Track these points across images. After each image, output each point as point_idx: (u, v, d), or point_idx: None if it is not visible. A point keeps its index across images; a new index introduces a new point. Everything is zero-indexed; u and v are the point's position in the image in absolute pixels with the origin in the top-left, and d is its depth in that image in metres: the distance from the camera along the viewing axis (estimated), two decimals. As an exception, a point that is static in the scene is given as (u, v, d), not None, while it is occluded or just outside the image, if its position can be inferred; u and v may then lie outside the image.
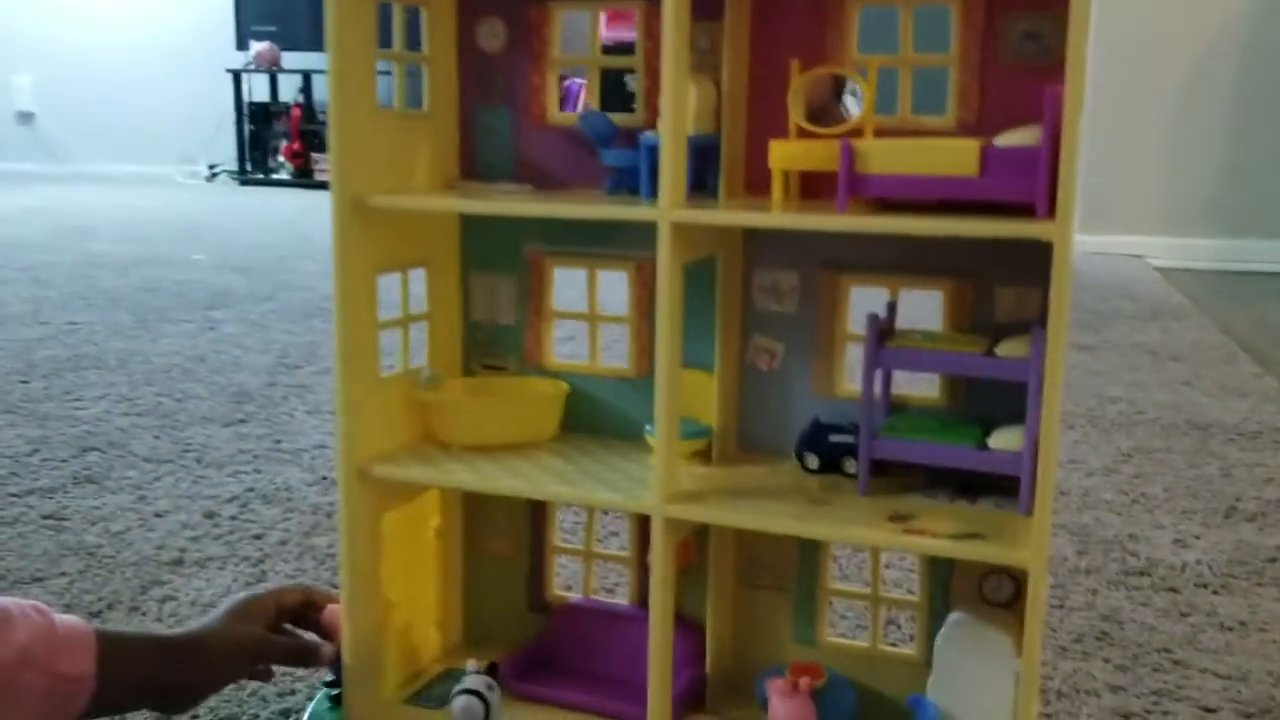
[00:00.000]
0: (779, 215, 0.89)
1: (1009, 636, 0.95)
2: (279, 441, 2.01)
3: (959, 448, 0.91)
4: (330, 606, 1.06)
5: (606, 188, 1.00)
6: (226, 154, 6.82)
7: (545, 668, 1.11)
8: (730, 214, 0.91)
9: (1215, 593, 1.42)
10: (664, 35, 0.87)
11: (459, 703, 0.91)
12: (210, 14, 6.76)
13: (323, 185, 5.31)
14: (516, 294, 1.11)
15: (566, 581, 1.25)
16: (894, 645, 1.07)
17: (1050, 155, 0.79)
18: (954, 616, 0.98)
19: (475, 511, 1.16)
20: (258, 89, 6.64)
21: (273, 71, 6.53)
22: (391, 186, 1.01)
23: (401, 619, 1.10)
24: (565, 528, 1.26)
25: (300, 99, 6.54)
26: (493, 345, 1.13)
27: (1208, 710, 1.15)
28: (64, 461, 1.87)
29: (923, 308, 1.03)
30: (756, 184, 0.98)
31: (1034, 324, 0.89)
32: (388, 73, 1.06)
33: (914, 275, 0.98)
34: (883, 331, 0.94)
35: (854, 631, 1.26)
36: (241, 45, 6.57)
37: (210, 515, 1.66)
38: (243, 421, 2.13)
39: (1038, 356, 0.86)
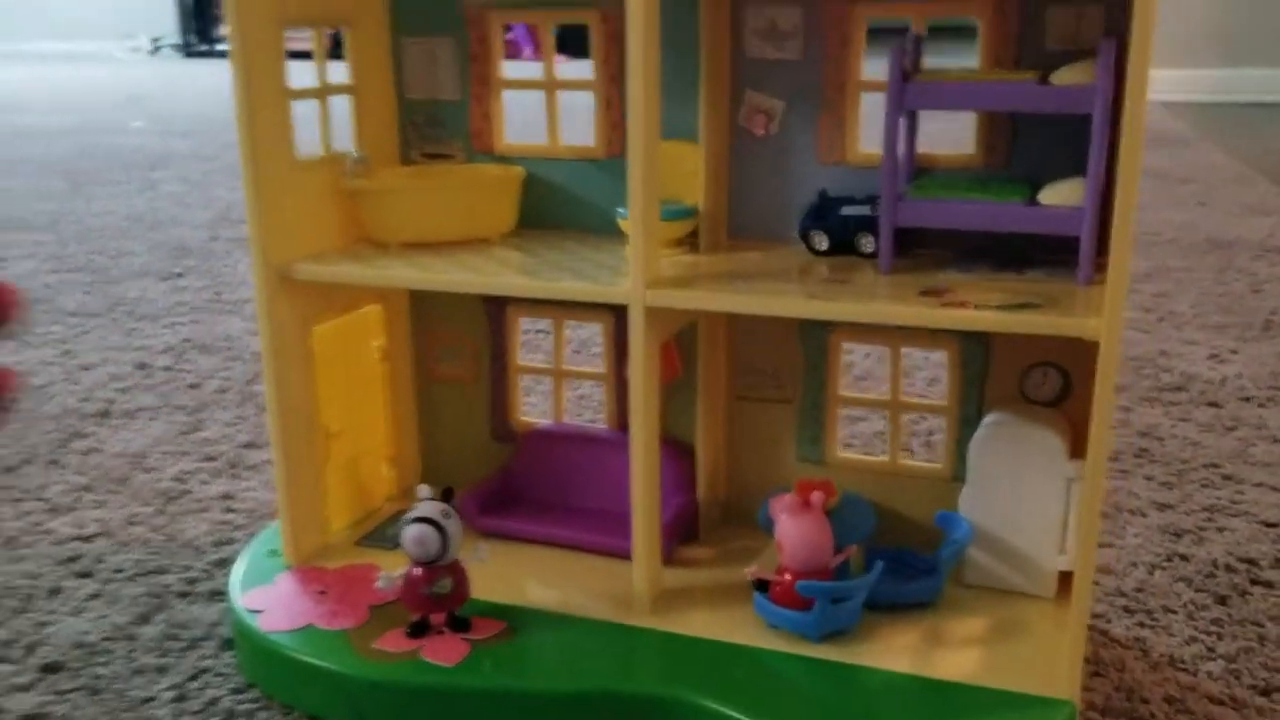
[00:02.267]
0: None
1: (1059, 436, 0.80)
2: (219, 294, 1.83)
3: (1006, 205, 0.75)
4: None
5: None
6: (168, 27, 6.48)
7: (513, 502, 0.96)
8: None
9: (1261, 406, 1.28)
10: None
11: (411, 532, 0.76)
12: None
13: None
14: (458, 61, 0.93)
15: (534, 407, 1.10)
16: (918, 462, 0.93)
17: None
18: (991, 417, 0.82)
19: (425, 328, 0.99)
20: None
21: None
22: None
23: (346, 452, 0.94)
24: (529, 343, 1.10)
25: (245, -38, 6.17)
26: (434, 128, 0.95)
27: (1269, 525, 1.01)
28: (-19, 320, 1.69)
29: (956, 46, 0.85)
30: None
31: (1097, 47, 0.72)
32: None
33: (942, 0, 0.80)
34: (907, 69, 0.76)
35: (868, 447, 1.11)
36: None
37: (142, 366, 1.49)
38: (180, 275, 1.94)
39: (1105, 77, 0.69)
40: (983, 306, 0.69)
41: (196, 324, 1.67)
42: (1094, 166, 0.70)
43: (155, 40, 6.58)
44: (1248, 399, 1.30)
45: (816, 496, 0.78)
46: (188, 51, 6.30)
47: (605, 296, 0.77)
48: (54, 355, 1.54)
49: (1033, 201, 0.74)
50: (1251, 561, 0.95)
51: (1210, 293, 1.70)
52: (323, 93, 0.88)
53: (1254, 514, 1.03)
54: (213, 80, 5.19)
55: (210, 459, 1.19)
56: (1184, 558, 0.95)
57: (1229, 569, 0.93)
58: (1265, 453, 1.16)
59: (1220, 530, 1.00)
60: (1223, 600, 0.89)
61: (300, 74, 0.83)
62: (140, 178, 2.87)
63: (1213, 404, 1.28)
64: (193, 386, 1.42)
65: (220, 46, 6.23)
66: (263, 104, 0.81)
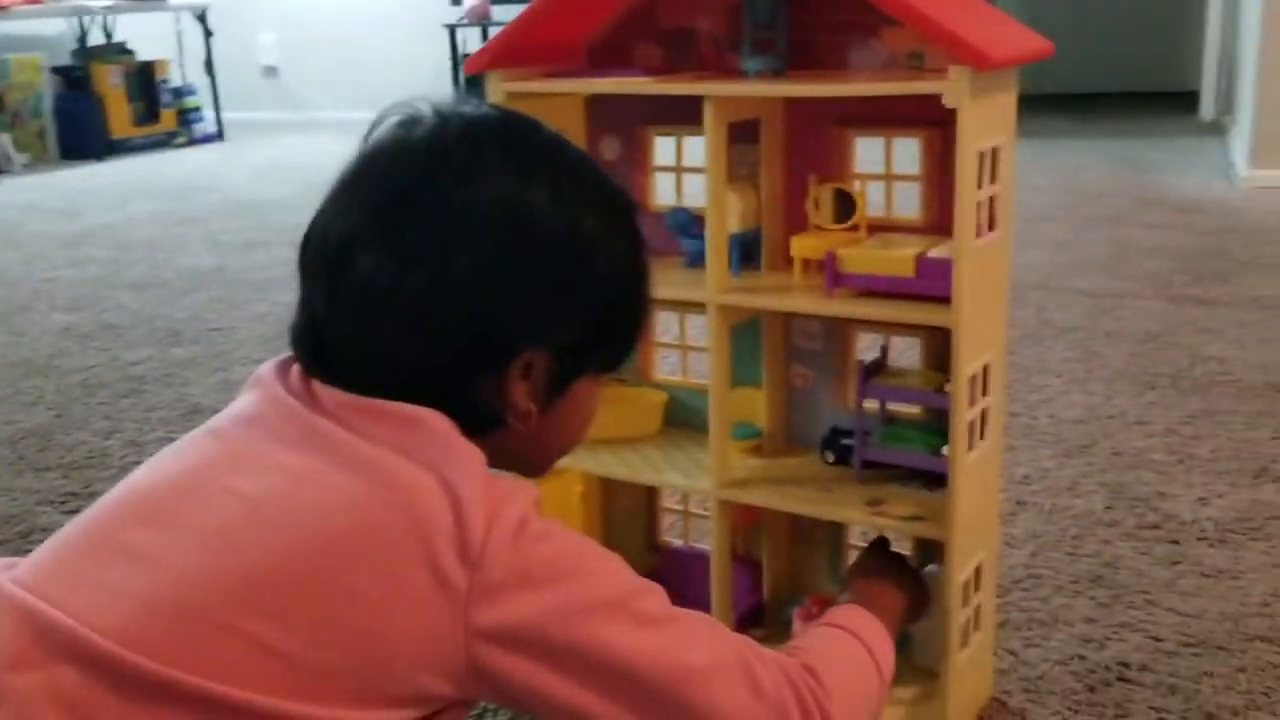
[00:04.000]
0: (792, 299, 1.30)
1: (965, 583, 1.34)
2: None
3: (920, 454, 1.31)
4: None
5: (685, 262, 1.43)
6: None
7: (655, 592, 1.57)
8: (757, 297, 1.32)
9: (1210, 545, 1.75)
10: (706, 162, 1.27)
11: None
12: (427, -26, 7.36)
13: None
14: (631, 329, 1.55)
15: (672, 531, 1.71)
16: (898, 584, 1.48)
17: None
18: (929, 567, 1.38)
19: (609, 481, 1.62)
20: (471, 41, 7.22)
21: (484, 25, 7.08)
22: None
23: (556, 555, 1.58)
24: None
25: (508, 49, 7.08)
26: (616, 364, 1.58)
27: (1156, 639, 1.51)
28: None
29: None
30: (792, 260, 1.37)
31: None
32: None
33: (897, 325, 1.36)
34: (872, 370, 1.34)
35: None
36: (455, 1, 7.14)
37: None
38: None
39: (966, 396, 1.24)
40: (894, 517, 1.26)
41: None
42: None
43: (431, 114, 7.56)
44: (1204, 538, 1.77)
45: (816, 609, 1.36)
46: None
47: (694, 491, 1.38)
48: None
49: (937, 452, 1.30)
50: (1125, 664, 1.46)
51: (1235, 438, 2.14)
52: (551, 352, 1.53)
53: (1149, 631, 1.53)
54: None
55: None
56: (1081, 658, 1.47)
57: (1105, 668, 1.45)
58: (1188, 584, 1.64)
59: (1120, 641, 1.51)
60: (1091, 689, 1.41)
61: (539, 347, 1.48)
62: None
63: (1174, 541, 1.76)
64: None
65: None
66: (517, 366, 1.46)
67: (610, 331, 0.94)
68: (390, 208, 0.85)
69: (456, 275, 0.83)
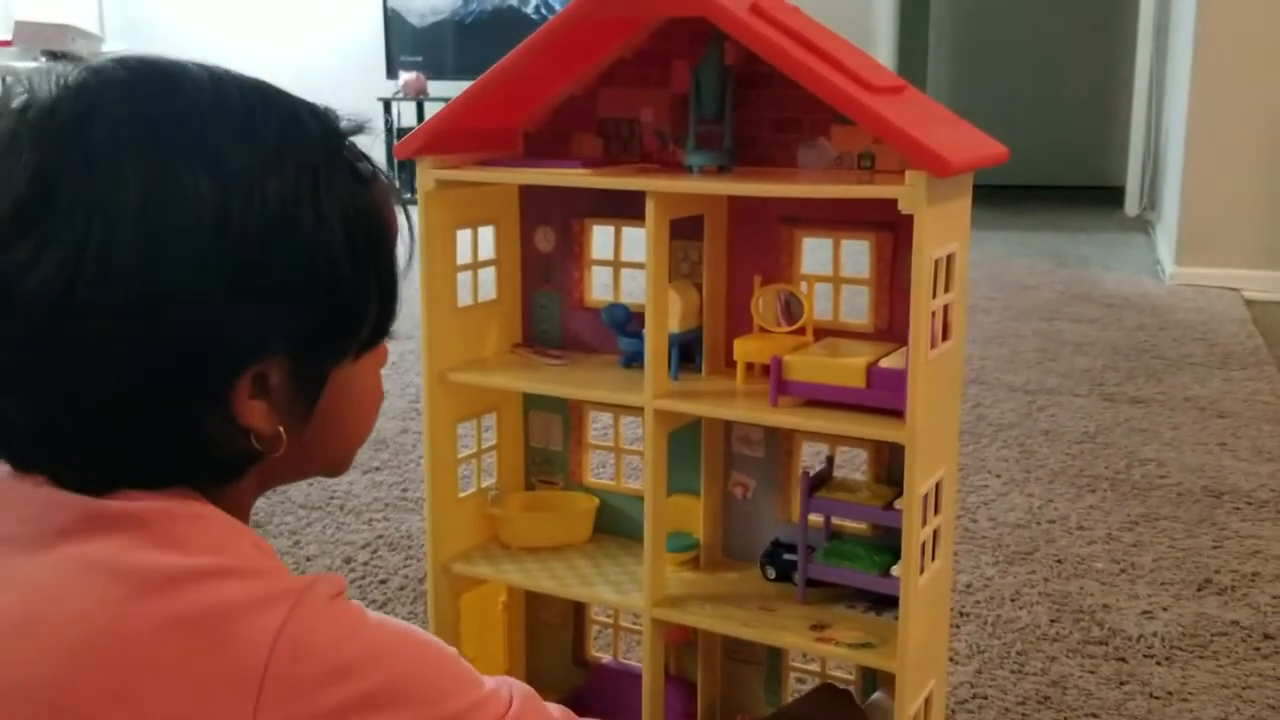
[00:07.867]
0: (735, 407, 1.22)
1: (913, 712, 1.26)
2: (405, 490, 2.41)
3: (868, 574, 1.23)
4: None
5: (621, 361, 1.35)
6: (378, 175, 7.36)
7: (583, 712, 1.46)
8: (698, 403, 1.24)
9: (1159, 663, 1.69)
10: (646, 260, 1.20)
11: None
12: (363, 48, 7.32)
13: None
14: (563, 428, 1.47)
15: (601, 645, 1.61)
16: (841, 709, 1.40)
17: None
18: (875, 695, 1.29)
19: (533, 592, 1.52)
20: (406, 115, 7.16)
21: (419, 99, 7.04)
22: (468, 358, 1.37)
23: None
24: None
25: (444, 124, 7.03)
26: (546, 465, 1.49)
27: (1108, 767, 1.44)
28: (234, 505, 2.31)
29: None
30: (734, 363, 1.30)
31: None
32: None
33: (846, 438, 1.29)
34: (817, 482, 1.26)
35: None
36: (391, 75, 7.10)
37: (348, 560, 2.07)
38: (377, 469, 2.54)
39: (917, 515, 1.17)
40: (840, 644, 1.18)
41: (387, 521, 2.25)
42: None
43: (363, 187, 7.47)
44: (1151, 656, 1.71)
45: (754, 738, 1.27)
46: (390, 200, 7.15)
47: (627, 609, 1.28)
48: (286, 545, 2.14)
49: (887, 573, 1.22)
50: (1077, 796, 1.38)
51: (1177, 546, 2.09)
52: (478, 455, 1.43)
53: (1102, 757, 1.46)
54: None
55: (392, 648, 1.74)
56: (1032, 788, 1.39)
57: (1058, 800, 1.37)
58: (1138, 707, 1.57)
59: (1071, 768, 1.43)
60: (1043, 823, 1.33)
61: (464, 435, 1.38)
62: (348, 356, 3.53)
63: (1121, 659, 1.70)
64: (382, 582, 1.98)
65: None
66: (442, 470, 1.36)
67: (353, 305, 0.73)
68: (19, 208, 0.64)
69: (114, 288, 0.63)
